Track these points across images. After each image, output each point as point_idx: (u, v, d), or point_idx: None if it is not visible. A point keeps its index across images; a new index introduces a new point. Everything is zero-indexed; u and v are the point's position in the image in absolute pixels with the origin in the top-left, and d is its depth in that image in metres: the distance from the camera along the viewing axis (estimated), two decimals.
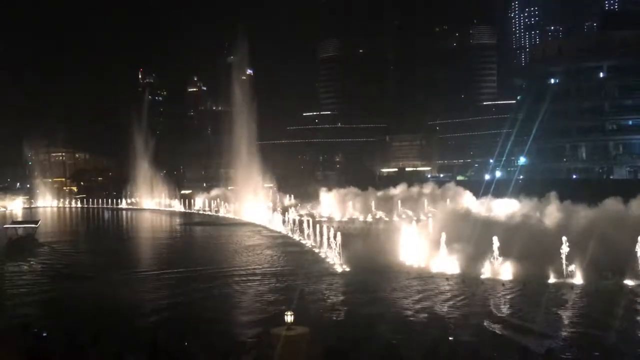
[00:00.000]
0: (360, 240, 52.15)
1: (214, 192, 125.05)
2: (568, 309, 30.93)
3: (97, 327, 21.31)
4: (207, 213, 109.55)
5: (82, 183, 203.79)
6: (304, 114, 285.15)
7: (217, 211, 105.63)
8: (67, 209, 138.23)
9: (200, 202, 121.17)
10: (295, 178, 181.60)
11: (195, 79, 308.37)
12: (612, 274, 35.46)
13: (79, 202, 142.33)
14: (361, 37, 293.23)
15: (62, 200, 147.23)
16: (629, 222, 39.58)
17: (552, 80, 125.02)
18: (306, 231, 58.13)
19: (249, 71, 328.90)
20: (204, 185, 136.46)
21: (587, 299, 32.79)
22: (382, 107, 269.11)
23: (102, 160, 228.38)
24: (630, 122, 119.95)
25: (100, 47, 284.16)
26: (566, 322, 28.47)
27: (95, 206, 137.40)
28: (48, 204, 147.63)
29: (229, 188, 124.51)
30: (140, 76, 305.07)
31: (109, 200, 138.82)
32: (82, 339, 19.34)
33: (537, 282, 35.40)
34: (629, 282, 34.52)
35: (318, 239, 52.16)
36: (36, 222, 68.74)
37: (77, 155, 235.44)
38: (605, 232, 37.45)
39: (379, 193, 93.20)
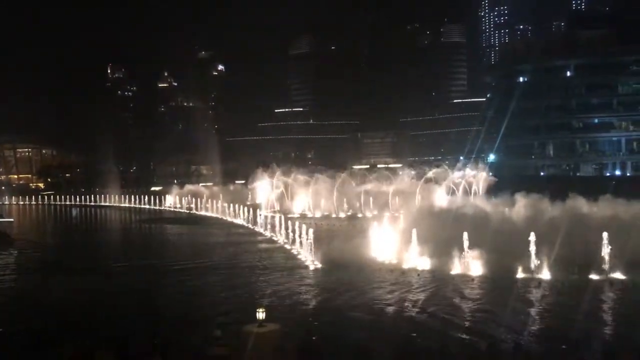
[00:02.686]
0: (332, 237, 52.27)
1: (185, 188, 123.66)
2: (533, 303, 31.45)
3: None
4: (177, 210, 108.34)
5: (49, 179, 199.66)
6: (276, 111, 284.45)
7: (188, 208, 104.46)
8: (34, 206, 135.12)
9: (170, 199, 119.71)
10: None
11: (166, 75, 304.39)
12: (578, 269, 36.20)
13: (45, 199, 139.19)
14: (334, 34, 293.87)
15: (28, 197, 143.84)
16: (593, 219, 40.40)
17: (521, 79, 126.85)
18: (278, 228, 57.93)
19: (220, 67, 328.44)
20: (175, 182, 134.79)
21: (553, 293, 33.41)
22: (354, 104, 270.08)
23: (69, 156, 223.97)
24: (596, 120, 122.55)
25: (67, 41, 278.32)
26: (532, 316, 28.92)
27: (63, 203, 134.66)
28: (14, 200, 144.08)
29: (200, 185, 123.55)
30: (109, 71, 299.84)
31: (77, 197, 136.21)
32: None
33: (506, 277, 35.93)
34: (594, 277, 35.29)
35: (290, 236, 52.04)
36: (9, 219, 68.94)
37: (44, 152, 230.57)
38: (571, 228, 38.16)
39: (354, 189, 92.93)
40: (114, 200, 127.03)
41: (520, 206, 49.74)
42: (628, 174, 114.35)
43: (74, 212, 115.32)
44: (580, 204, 45.03)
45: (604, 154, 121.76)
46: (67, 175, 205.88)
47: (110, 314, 30.58)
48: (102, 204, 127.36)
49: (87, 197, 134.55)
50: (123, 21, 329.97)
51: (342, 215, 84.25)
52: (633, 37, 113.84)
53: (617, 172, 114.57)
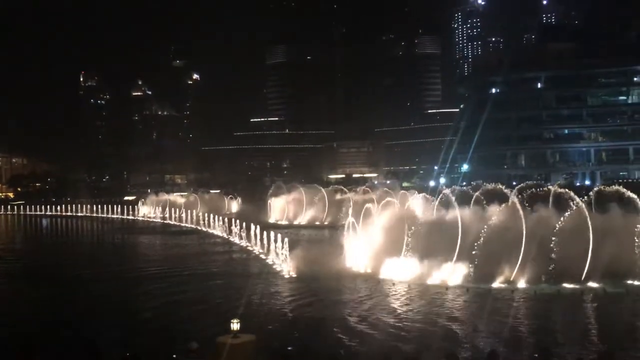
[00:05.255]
0: (309, 246, 52.19)
1: (159, 198, 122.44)
2: (506, 312, 31.81)
3: None
4: (151, 220, 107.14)
5: (19, 189, 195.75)
6: (252, 120, 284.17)
7: (163, 218, 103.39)
8: (2, 216, 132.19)
9: (144, 209, 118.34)
10: (243, 184, 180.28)
11: (140, 83, 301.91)
12: (550, 277, 36.75)
13: (15, 209, 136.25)
14: (310, 44, 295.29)
15: None
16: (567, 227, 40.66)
17: (493, 90, 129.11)
18: (253, 237, 57.66)
19: (195, 75, 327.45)
20: (149, 191, 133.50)
21: (528, 302, 33.89)
22: (329, 114, 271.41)
23: (40, 165, 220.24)
24: (566, 131, 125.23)
25: (40, 48, 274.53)
26: (507, 324, 29.24)
27: (33, 213, 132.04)
28: None
29: (175, 194, 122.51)
30: (81, 79, 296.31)
31: (48, 207, 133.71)
32: None
33: (481, 287, 36.35)
34: (568, 285, 35.91)
35: (265, 245, 51.86)
36: None
37: (14, 160, 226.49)
38: (545, 237, 38.58)
39: (330, 197, 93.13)
40: (86, 210, 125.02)
41: (497, 215, 49.84)
42: (597, 184, 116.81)
43: (44, 222, 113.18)
44: (549, 213, 45.10)
45: (574, 164, 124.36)
46: (37, 184, 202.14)
47: (80, 322, 30.07)
48: (74, 214, 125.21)
49: (58, 207, 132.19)
50: (96, 29, 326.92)
51: (318, 223, 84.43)
52: (601, 51, 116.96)
53: (587, 182, 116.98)
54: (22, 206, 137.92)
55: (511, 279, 36.69)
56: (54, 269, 50.37)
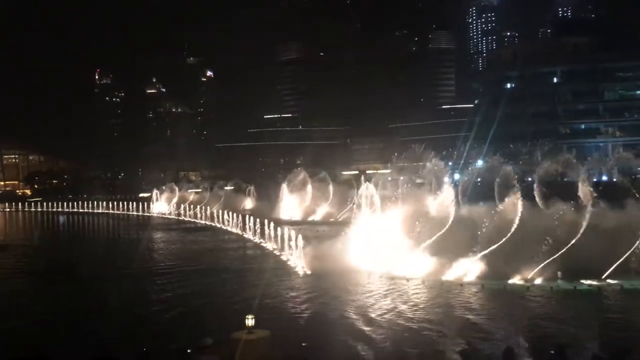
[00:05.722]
0: (323, 243, 52.17)
1: (174, 195, 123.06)
2: (520, 309, 31.51)
3: None
4: (166, 216, 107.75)
5: (36, 186, 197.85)
6: (265, 116, 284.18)
7: (177, 214, 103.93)
8: (20, 213, 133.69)
9: (159, 206, 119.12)
10: (257, 181, 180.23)
11: (154, 81, 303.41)
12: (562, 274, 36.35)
13: (32, 206, 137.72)
14: (323, 40, 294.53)
15: (14, 204, 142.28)
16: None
17: (508, 85, 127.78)
18: (268, 234, 57.77)
19: (209, 73, 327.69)
20: (163, 188, 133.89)
21: (545, 299, 33.58)
22: (343, 110, 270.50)
23: (57, 162, 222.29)
24: (582, 126, 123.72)
25: (56, 46, 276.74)
26: (523, 323, 28.96)
27: (50, 210, 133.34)
28: (0, 207, 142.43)
29: (189, 191, 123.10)
30: (97, 77, 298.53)
31: (64, 204, 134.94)
32: None
33: (496, 283, 36.09)
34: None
35: (280, 242, 51.95)
36: None
37: (31, 158, 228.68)
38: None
39: (345, 193, 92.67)
40: (102, 206, 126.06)
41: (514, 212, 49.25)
42: (614, 180, 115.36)
43: (61, 219, 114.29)
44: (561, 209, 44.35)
45: (590, 160, 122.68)
46: (54, 181, 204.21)
47: (96, 319, 30.34)
48: (90, 210, 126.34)
49: (75, 203, 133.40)
50: (111, 27, 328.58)
51: (332, 220, 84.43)
52: (618, 44, 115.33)
53: (604, 178, 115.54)
54: (39, 203, 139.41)
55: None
56: (71, 265, 50.74)
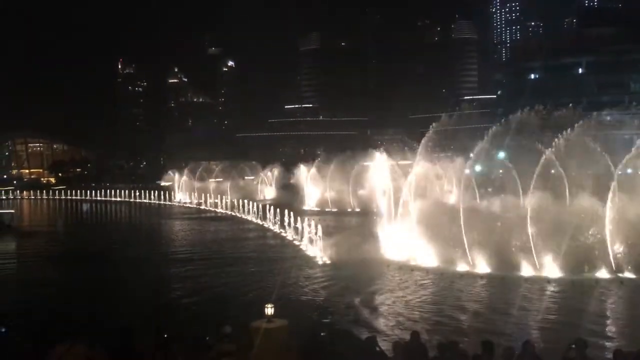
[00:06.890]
0: (343, 233, 52.29)
1: (196, 184, 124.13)
2: (536, 302, 31.30)
3: None
4: (187, 205, 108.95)
5: (60, 174, 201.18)
6: (286, 107, 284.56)
7: (199, 204, 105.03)
8: (45, 201, 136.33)
9: (180, 195, 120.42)
10: (277, 170, 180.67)
11: (176, 70, 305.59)
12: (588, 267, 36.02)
13: (57, 194, 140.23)
14: (343, 30, 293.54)
15: (39, 191, 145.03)
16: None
17: (532, 76, 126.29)
18: (287, 223, 58.03)
19: (230, 63, 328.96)
20: (184, 177, 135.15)
21: (559, 292, 33.26)
22: (363, 101, 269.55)
23: (80, 151, 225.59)
24: (608, 118, 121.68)
25: (78, 37, 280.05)
26: (541, 317, 28.75)
27: (73, 198, 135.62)
28: (25, 195, 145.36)
29: (210, 180, 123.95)
30: (119, 67, 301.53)
31: (87, 192, 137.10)
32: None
33: (514, 276, 35.87)
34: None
35: (300, 231, 52.15)
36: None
37: (55, 147, 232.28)
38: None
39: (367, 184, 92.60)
40: (124, 195, 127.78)
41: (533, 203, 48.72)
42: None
43: (85, 207, 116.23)
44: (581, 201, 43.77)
45: (615, 153, 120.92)
46: (77, 170, 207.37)
47: (114, 303, 30.83)
48: (112, 199, 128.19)
49: (98, 192, 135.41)
50: (133, 17, 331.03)
51: (349, 210, 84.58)
52: None
53: (629, 170, 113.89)
54: (63, 191, 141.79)
55: None
56: (95, 252, 51.65)
